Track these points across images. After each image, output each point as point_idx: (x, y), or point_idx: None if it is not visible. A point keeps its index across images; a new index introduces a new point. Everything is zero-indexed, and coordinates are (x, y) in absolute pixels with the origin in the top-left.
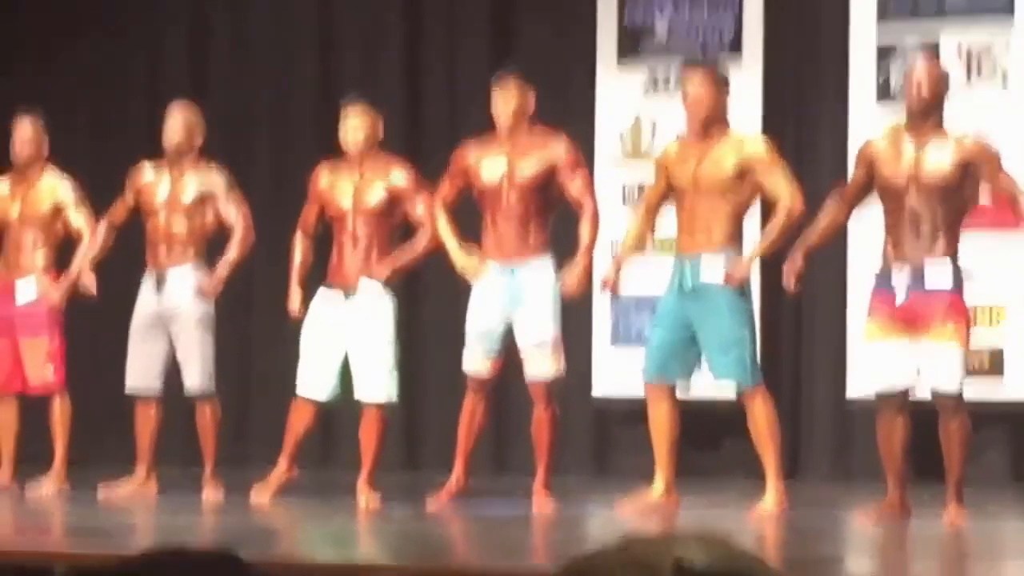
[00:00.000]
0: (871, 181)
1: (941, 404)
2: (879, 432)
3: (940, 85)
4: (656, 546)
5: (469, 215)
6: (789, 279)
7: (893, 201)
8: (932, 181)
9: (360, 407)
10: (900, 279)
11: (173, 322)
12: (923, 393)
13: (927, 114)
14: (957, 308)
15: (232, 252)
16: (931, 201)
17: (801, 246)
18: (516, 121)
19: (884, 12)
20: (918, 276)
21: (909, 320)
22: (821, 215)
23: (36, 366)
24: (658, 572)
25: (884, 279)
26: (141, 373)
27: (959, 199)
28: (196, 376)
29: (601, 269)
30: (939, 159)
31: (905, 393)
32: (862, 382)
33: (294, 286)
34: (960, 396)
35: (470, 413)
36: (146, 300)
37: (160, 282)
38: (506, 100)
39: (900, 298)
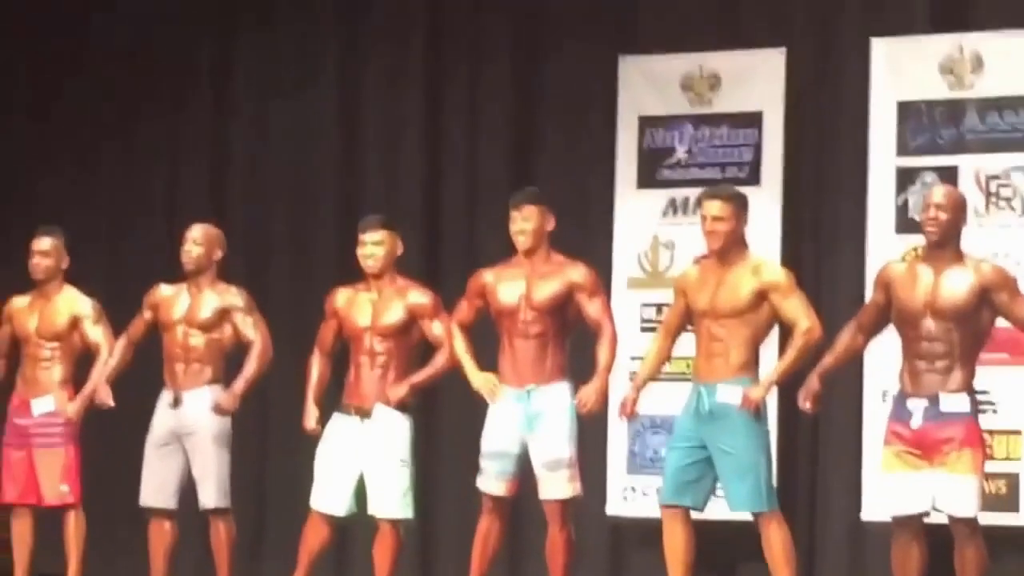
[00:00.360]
0: (888, 305)
1: (957, 530)
2: (894, 559)
3: (958, 211)
4: None
5: (486, 337)
6: (805, 401)
7: (909, 327)
8: (948, 307)
9: (374, 525)
10: (916, 404)
11: (189, 438)
12: (938, 518)
13: (945, 240)
14: (973, 436)
15: (250, 367)
16: (947, 328)
17: (817, 369)
18: (534, 242)
19: (904, 149)
20: (934, 402)
21: (925, 447)
22: (838, 339)
23: (51, 479)
24: None
25: (900, 406)
26: (156, 489)
27: (976, 326)
28: (212, 492)
29: (617, 390)
30: (956, 285)
31: (920, 520)
32: (877, 506)
33: (310, 403)
34: (976, 522)
35: (485, 533)
36: (162, 416)
37: (177, 402)
38: (524, 220)
39: (916, 422)
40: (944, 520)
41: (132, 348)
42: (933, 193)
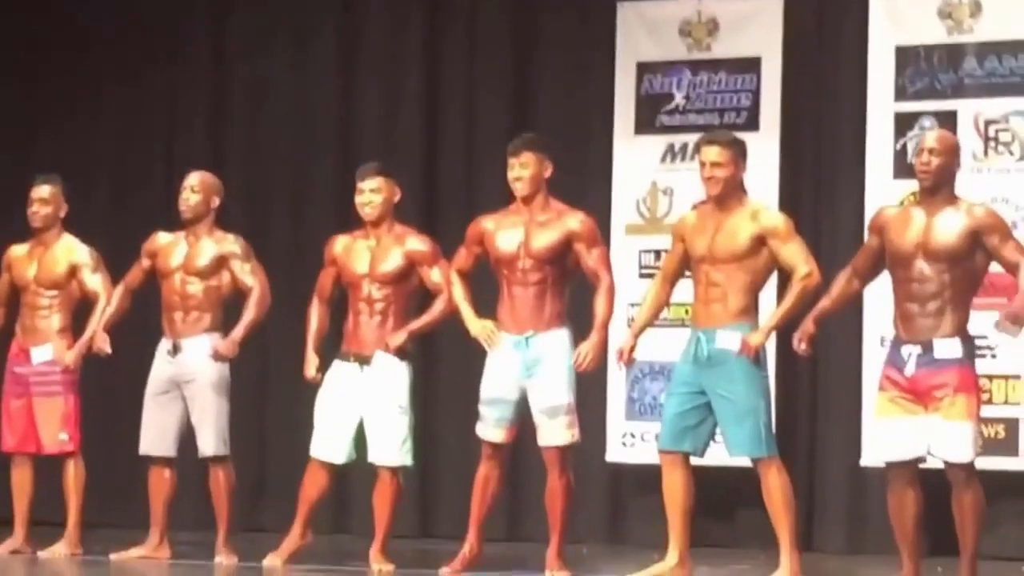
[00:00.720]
0: (883, 249)
1: (953, 476)
2: (890, 505)
3: (951, 155)
4: None
5: (485, 285)
6: (800, 343)
7: (901, 269)
8: (940, 248)
9: (374, 473)
10: (909, 351)
11: (188, 386)
12: (935, 463)
13: (938, 184)
14: (967, 381)
15: (249, 314)
16: (939, 269)
17: (813, 312)
18: (532, 189)
19: (902, 94)
20: (927, 348)
21: (919, 393)
22: (834, 283)
23: (50, 428)
24: None
25: (894, 352)
26: (156, 437)
27: (969, 269)
28: (210, 439)
29: (616, 337)
30: (948, 227)
31: (915, 465)
32: (873, 452)
33: (310, 352)
34: (972, 467)
35: (484, 480)
36: (161, 365)
37: (175, 350)
38: (522, 167)
39: (910, 369)
40: (941, 465)
41: (130, 296)
42: (926, 138)
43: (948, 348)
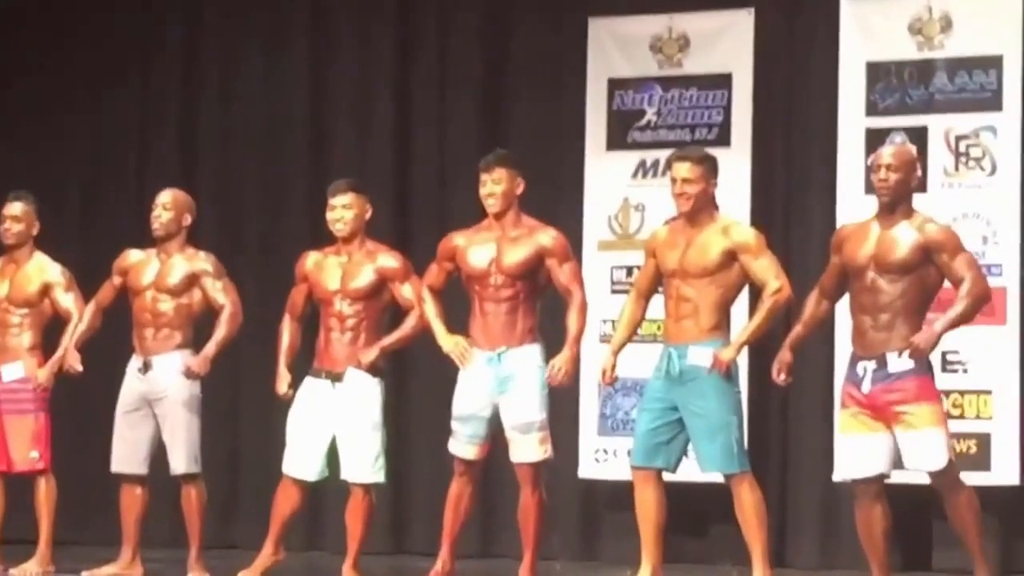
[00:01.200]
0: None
1: (938, 484)
2: (858, 521)
3: (908, 170)
4: None
5: (457, 302)
6: (779, 374)
7: (856, 280)
8: (890, 261)
9: (347, 490)
10: (864, 367)
11: (159, 403)
12: (903, 478)
13: (895, 199)
14: (925, 390)
15: (220, 331)
16: (890, 280)
17: (788, 340)
18: (504, 205)
19: (873, 109)
20: (881, 363)
21: (877, 408)
22: (804, 308)
23: (21, 446)
24: None
25: (851, 369)
26: (127, 454)
27: (919, 282)
28: (182, 457)
29: (588, 353)
30: (899, 240)
31: (881, 481)
32: (838, 468)
33: (282, 368)
34: (954, 470)
35: (456, 497)
36: (132, 382)
37: (146, 367)
38: (494, 183)
39: (866, 386)
40: (908, 481)
41: (101, 313)
42: (882, 154)
43: (901, 362)
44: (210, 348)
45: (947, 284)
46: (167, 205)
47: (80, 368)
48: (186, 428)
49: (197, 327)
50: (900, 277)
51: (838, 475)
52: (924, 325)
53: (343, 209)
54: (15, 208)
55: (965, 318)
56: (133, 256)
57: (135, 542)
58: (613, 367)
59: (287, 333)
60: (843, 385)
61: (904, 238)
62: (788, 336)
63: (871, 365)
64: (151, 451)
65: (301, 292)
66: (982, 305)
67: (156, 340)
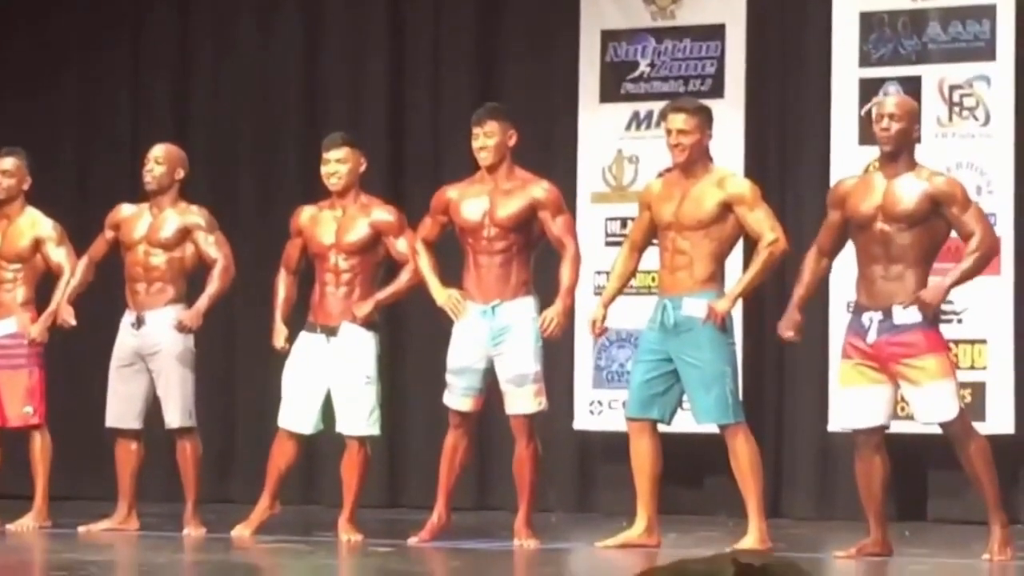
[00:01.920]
0: (844, 222)
1: (950, 434)
2: (858, 471)
3: (910, 120)
4: (712, 560)
5: (451, 255)
6: (787, 331)
7: (862, 233)
8: (899, 211)
9: (342, 443)
10: (870, 317)
11: (153, 358)
12: (901, 428)
13: (899, 149)
14: (933, 342)
15: (213, 285)
16: (899, 230)
17: (794, 301)
18: (496, 158)
19: (867, 59)
20: (887, 315)
21: (882, 360)
22: (804, 267)
23: (15, 401)
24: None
25: (855, 319)
26: (121, 409)
27: (928, 232)
28: (176, 411)
29: (583, 305)
30: (907, 191)
31: (882, 432)
32: (838, 419)
33: (278, 322)
34: (965, 420)
35: (452, 449)
36: (125, 337)
37: (139, 323)
38: (486, 136)
39: (871, 336)
40: (906, 431)
41: (93, 268)
42: (885, 103)
43: (907, 314)
44: (202, 302)
45: (954, 235)
46: (159, 159)
47: (73, 322)
48: (180, 382)
49: (190, 282)
50: (909, 227)
51: (837, 425)
52: (930, 277)
53: (337, 163)
54: (6, 163)
55: (974, 273)
56: (125, 210)
57: (131, 497)
58: (603, 319)
59: (283, 286)
60: (845, 335)
61: (912, 188)
62: (793, 298)
63: (877, 316)
64: (145, 406)
65: (296, 246)
66: (991, 259)
67: (149, 295)
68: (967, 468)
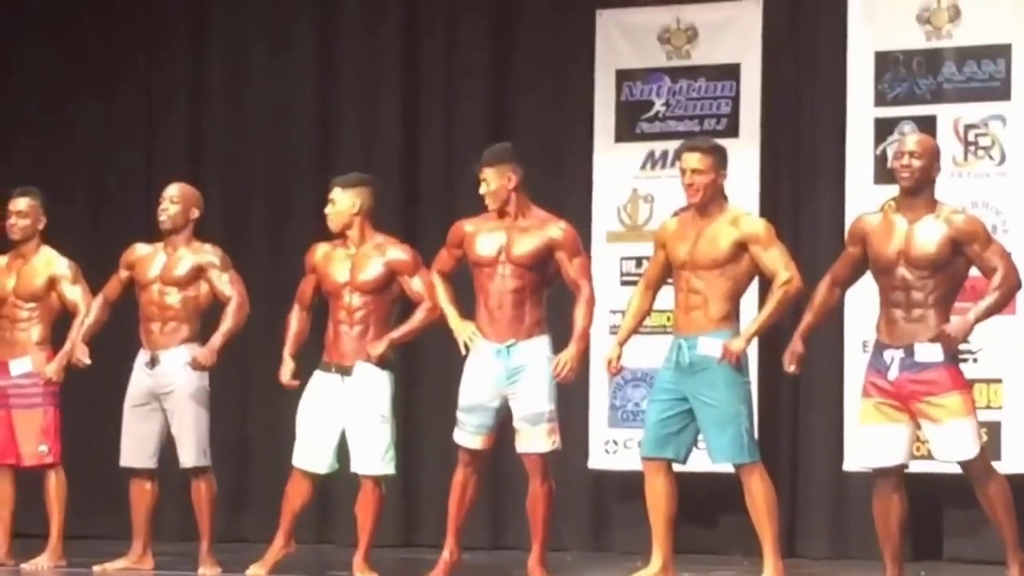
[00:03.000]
0: (863, 257)
1: (970, 473)
2: (876, 510)
3: (931, 159)
4: None
5: (464, 294)
6: (790, 364)
7: (884, 276)
8: (921, 256)
9: (357, 482)
10: (892, 355)
11: (167, 397)
12: (919, 468)
13: (919, 187)
14: (956, 379)
15: (227, 322)
16: (921, 275)
17: (799, 330)
18: (498, 202)
19: (882, 99)
20: (909, 353)
21: (903, 397)
22: (815, 296)
23: (30, 440)
24: None
25: (877, 357)
26: (136, 449)
27: (950, 275)
28: (191, 450)
29: (597, 344)
30: (928, 235)
31: (901, 471)
32: (857, 457)
33: (286, 357)
34: (985, 459)
35: (461, 486)
36: (140, 377)
37: (153, 362)
38: (484, 184)
39: (893, 373)
40: (924, 470)
41: (108, 307)
42: (906, 141)
43: (930, 352)
44: (216, 340)
45: (973, 272)
46: (174, 198)
47: (87, 361)
48: (195, 421)
49: (204, 321)
50: (932, 274)
51: (855, 464)
52: (953, 315)
53: (330, 204)
54: (21, 203)
55: (998, 307)
56: (140, 250)
57: (146, 536)
58: (618, 357)
59: (295, 322)
60: (866, 374)
61: (933, 232)
62: (799, 326)
63: (899, 354)
64: (160, 445)
65: (310, 283)
66: (1014, 294)
67: (163, 334)
68: (986, 507)
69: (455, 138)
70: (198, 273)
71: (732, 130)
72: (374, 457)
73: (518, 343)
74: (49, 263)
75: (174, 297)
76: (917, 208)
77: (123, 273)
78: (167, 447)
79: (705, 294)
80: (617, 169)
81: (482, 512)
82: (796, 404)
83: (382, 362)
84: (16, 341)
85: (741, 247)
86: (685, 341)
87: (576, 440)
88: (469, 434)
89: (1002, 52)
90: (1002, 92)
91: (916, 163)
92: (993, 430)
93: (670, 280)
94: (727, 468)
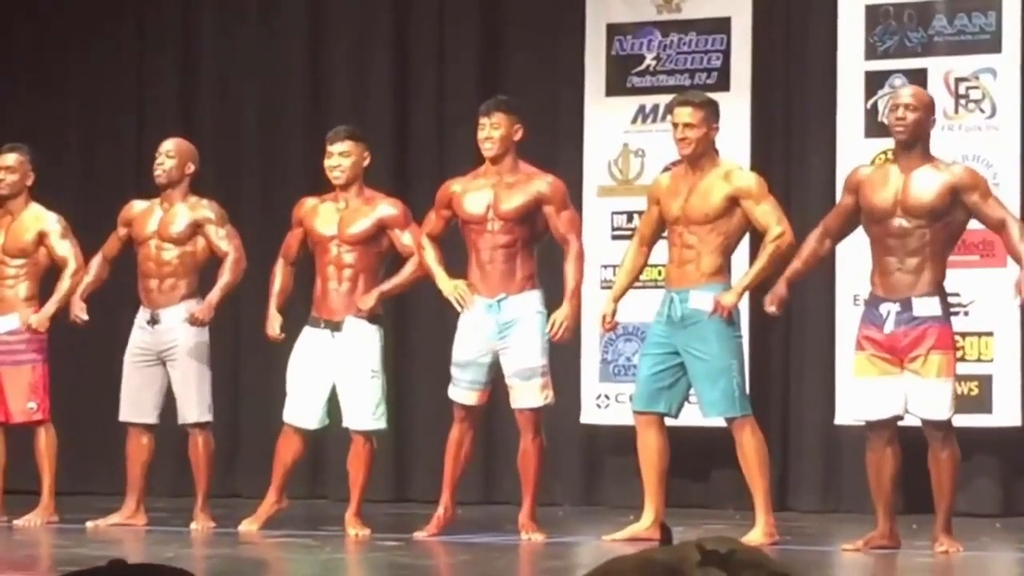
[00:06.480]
0: (857, 209)
1: (931, 433)
2: (869, 463)
3: (926, 111)
4: (677, 549)
5: (455, 253)
6: (771, 305)
7: (879, 226)
8: (918, 205)
9: (348, 438)
10: (888, 308)
11: (168, 355)
12: (912, 421)
13: (914, 139)
14: (944, 339)
15: (224, 277)
16: (918, 225)
17: (786, 273)
18: (500, 149)
19: (873, 52)
20: (906, 306)
21: (897, 351)
22: (805, 244)
23: (18, 397)
24: (684, 563)
25: (871, 310)
26: (136, 404)
27: (947, 225)
28: (194, 406)
29: (588, 299)
30: (926, 184)
31: (895, 424)
32: (850, 410)
33: (272, 310)
34: (949, 425)
35: (456, 443)
36: (140, 334)
37: (154, 321)
38: (493, 128)
39: (888, 327)
40: (917, 423)
41: (108, 265)
42: (901, 94)
43: (927, 306)
44: (214, 295)
45: (970, 226)
46: (170, 153)
47: (85, 317)
48: (197, 377)
49: (202, 276)
50: (928, 220)
51: (848, 417)
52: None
53: (340, 156)
54: (8, 159)
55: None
56: (137, 206)
57: (140, 491)
58: (613, 313)
59: (280, 275)
60: (860, 327)
61: (931, 181)
62: (786, 272)
63: (895, 307)
64: (160, 401)
65: (296, 236)
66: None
67: (162, 292)
68: (934, 471)
69: (446, 94)
70: (195, 229)
71: (723, 84)
72: (365, 412)
73: (509, 297)
74: (38, 219)
75: (171, 253)
76: (913, 160)
77: (121, 230)
78: (165, 403)
79: (697, 248)
80: (608, 123)
81: (474, 467)
82: (787, 358)
83: (372, 316)
84: (3, 298)
85: (733, 202)
86: (677, 295)
87: (568, 395)
88: (463, 390)
89: (992, 5)
90: (993, 45)
91: (911, 116)
92: (984, 383)
93: (664, 235)
94: (719, 422)
